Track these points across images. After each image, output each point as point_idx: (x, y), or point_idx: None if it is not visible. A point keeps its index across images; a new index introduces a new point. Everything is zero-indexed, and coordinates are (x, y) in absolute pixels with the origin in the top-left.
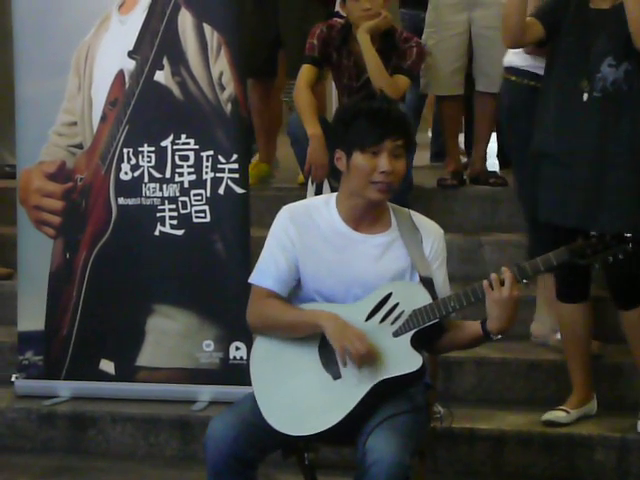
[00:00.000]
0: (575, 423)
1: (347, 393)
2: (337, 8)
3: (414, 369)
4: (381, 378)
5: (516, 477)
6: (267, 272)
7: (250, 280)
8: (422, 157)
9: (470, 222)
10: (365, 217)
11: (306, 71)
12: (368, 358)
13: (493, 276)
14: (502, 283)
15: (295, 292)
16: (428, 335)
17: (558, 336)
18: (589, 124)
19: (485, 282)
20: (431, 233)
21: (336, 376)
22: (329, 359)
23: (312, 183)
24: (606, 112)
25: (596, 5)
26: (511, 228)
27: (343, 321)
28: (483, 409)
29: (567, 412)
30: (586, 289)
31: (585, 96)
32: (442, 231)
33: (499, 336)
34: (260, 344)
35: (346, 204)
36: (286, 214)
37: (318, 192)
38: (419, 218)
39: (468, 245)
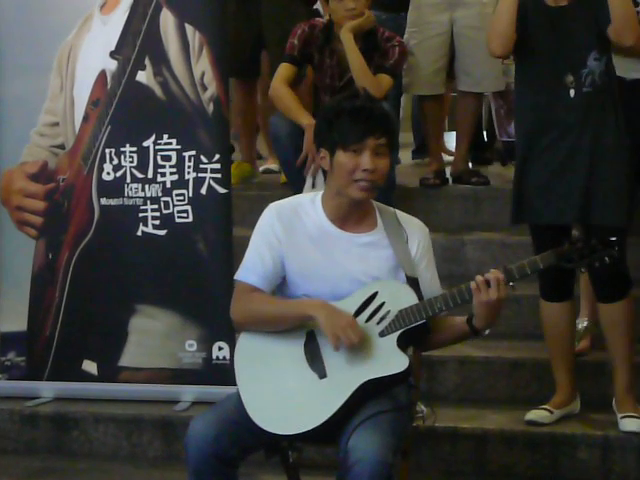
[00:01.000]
0: (558, 421)
1: (333, 393)
2: (319, 7)
3: (400, 370)
4: (367, 378)
5: (499, 476)
6: (252, 269)
7: (235, 277)
8: (404, 156)
9: (453, 221)
10: (350, 216)
11: (283, 69)
12: (360, 344)
13: (480, 279)
14: (488, 284)
15: (282, 290)
16: (414, 334)
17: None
18: (583, 119)
19: (473, 284)
20: (416, 232)
21: (322, 375)
22: (315, 357)
23: (310, 174)
24: (597, 105)
25: (554, 3)
26: (493, 227)
27: (332, 307)
28: (466, 408)
29: (550, 412)
30: (571, 287)
31: (572, 92)
32: (427, 229)
33: (486, 332)
34: (244, 342)
35: (331, 203)
36: (273, 212)
37: (314, 186)
38: (404, 217)
39: (451, 244)
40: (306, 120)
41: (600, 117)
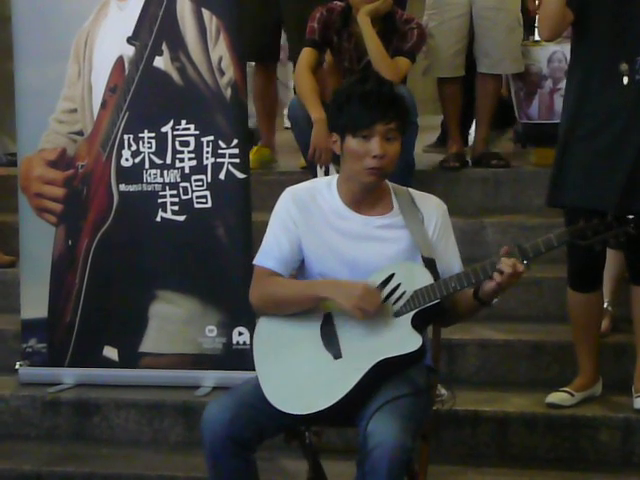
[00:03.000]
0: (579, 404)
1: (348, 372)
2: None
3: (413, 349)
4: (380, 358)
5: (520, 459)
6: (270, 253)
7: (254, 262)
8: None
9: (472, 204)
10: (365, 199)
11: (307, 54)
12: (382, 306)
13: (500, 266)
14: (500, 272)
15: (301, 273)
16: (429, 314)
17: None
18: (634, 107)
19: (498, 276)
20: (433, 213)
21: (337, 355)
22: (330, 339)
23: (321, 167)
24: None
25: None
26: (513, 210)
27: (342, 282)
28: (487, 391)
29: (572, 395)
30: (599, 278)
31: (625, 79)
32: (444, 206)
33: (495, 301)
34: (262, 326)
35: (345, 187)
36: (289, 196)
37: (327, 175)
38: (419, 197)
39: (470, 227)
40: (316, 114)
41: None
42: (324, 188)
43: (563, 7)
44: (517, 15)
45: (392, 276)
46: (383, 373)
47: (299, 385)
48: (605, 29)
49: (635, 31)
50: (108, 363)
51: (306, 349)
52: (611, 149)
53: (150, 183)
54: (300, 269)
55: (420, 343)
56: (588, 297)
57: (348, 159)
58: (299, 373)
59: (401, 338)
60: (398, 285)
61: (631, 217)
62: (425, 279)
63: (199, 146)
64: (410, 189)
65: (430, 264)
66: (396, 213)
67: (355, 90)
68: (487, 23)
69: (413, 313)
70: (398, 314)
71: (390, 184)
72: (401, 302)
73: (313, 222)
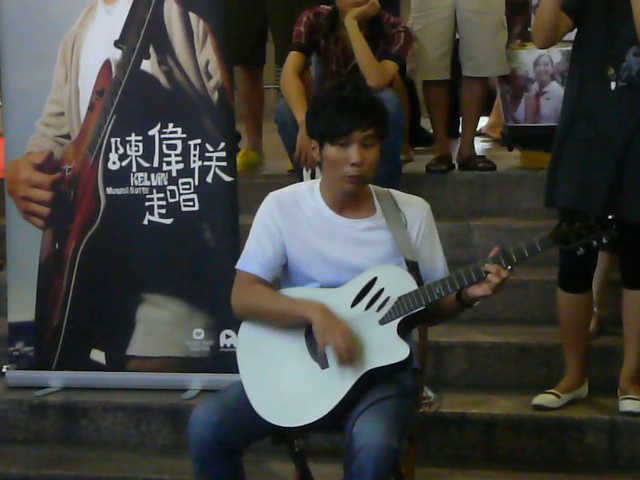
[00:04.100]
0: (565, 406)
1: (335, 384)
2: None
3: (401, 359)
4: (368, 369)
5: (507, 461)
6: (253, 258)
7: (236, 266)
8: None
9: (459, 207)
10: (348, 203)
11: (293, 58)
12: (349, 356)
13: (489, 276)
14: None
15: (287, 278)
16: (414, 319)
17: None
18: (619, 113)
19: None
20: (417, 216)
21: (324, 365)
22: (316, 348)
23: (307, 170)
24: (632, 102)
25: None
26: (500, 212)
27: (330, 314)
28: (473, 393)
29: (557, 396)
30: (589, 281)
31: (613, 85)
32: (427, 205)
33: (476, 303)
34: (246, 331)
35: (328, 191)
36: (272, 200)
37: (313, 177)
38: (402, 198)
39: (457, 230)
40: (301, 117)
41: (632, 113)
42: (307, 192)
43: (557, 15)
44: (501, 18)
45: (375, 280)
46: (370, 381)
47: (287, 397)
48: (597, 34)
49: (621, 36)
50: (95, 366)
51: (292, 358)
52: (600, 153)
53: (137, 186)
54: (284, 273)
55: (407, 354)
56: (578, 298)
57: (327, 166)
58: (286, 384)
59: (388, 348)
60: (382, 290)
61: (610, 217)
62: (409, 284)
63: (186, 149)
64: (392, 191)
65: (413, 267)
66: (379, 216)
67: (332, 97)
68: (471, 26)
69: (399, 321)
70: (383, 321)
71: (372, 187)
72: (385, 309)
73: (297, 227)
